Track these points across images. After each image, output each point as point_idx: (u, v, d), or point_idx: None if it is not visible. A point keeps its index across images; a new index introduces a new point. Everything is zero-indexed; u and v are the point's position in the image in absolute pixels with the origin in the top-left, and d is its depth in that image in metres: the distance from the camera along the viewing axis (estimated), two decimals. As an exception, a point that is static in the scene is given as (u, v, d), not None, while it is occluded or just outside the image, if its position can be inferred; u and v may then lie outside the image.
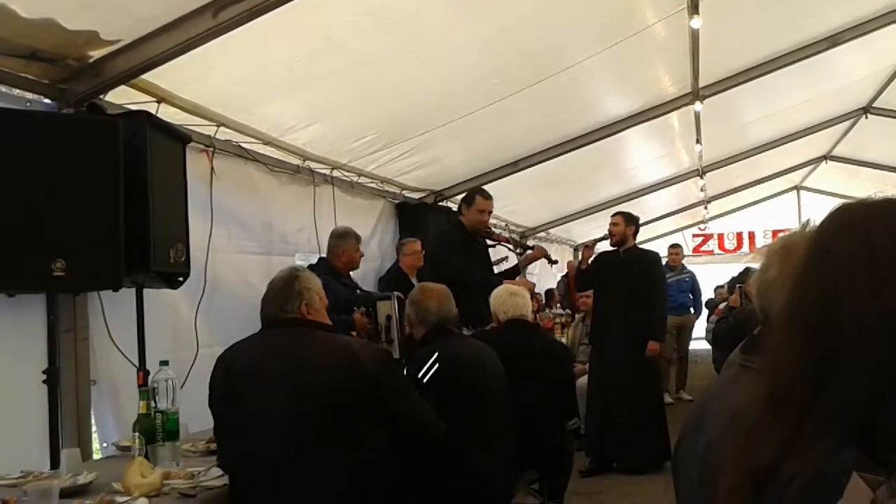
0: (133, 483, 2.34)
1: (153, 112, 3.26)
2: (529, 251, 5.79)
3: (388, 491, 2.57)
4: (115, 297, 3.14)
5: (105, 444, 3.28)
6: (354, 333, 4.14)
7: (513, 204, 8.57)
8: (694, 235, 16.02)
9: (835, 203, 0.99)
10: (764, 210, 15.20)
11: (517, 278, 5.37)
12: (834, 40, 6.31)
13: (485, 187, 5.68)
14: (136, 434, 2.62)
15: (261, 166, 4.50)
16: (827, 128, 9.86)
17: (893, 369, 0.81)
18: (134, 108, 3.23)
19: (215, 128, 3.93)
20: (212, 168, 3.97)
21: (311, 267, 4.49)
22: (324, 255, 4.80)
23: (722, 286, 9.91)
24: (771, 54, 6.46)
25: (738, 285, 6.65)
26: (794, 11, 5.84)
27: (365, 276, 5.30)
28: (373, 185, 5.93)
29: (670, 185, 10.61)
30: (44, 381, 2.97)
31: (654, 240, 12.99)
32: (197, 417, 3.04)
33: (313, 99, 4.30)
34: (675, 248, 9.88)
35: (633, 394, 5.90)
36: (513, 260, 5.89)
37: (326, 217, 5.09)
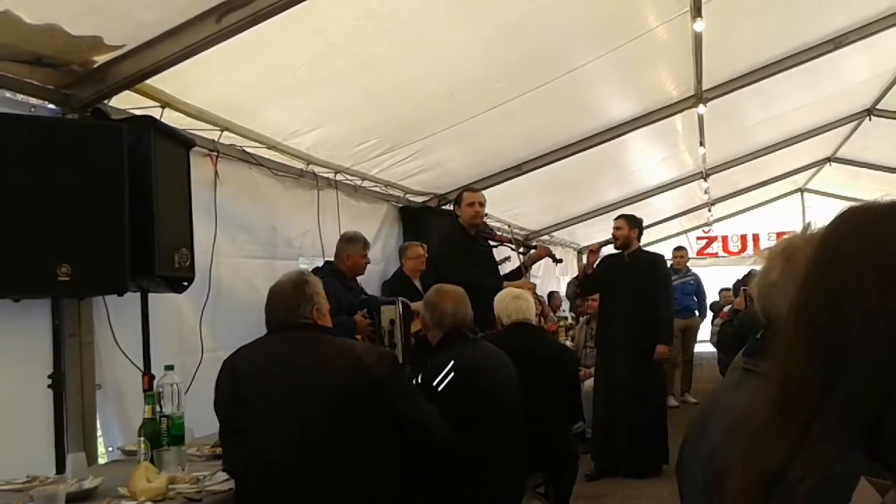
0: (138, 488, 2.34)
1: (157, 117, 3.27)
2: (533, 251, 5.79)
3: (394, 495, 2.57)
4: (119, 301, 3.14)
5: (110, 449, 3.27)
6: (360, 337, 4.14)
7: (516, 207, 8.58)
8: (698, 238, 16.00)
9: (839, 205, 0.99)
10: (768, 212, 15.16)
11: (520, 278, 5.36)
12: (838, 42, 6.29)
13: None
14: (142, 438, 2.62)
15: (264, 170, 4.50)
16: (831, 130, 9.83)
17: (901, 371, 0.81)
18: (138, 113, 3.23)
19: (219, 132, 3.94)
20: (216, 172, 3.98)
21: (316, 270, 4.50)
22: (328, 258, 4.81)
23: (727, 289, 9.90)
24: (774, 57, 6.45)
25: (742, 288, 6.64)
26: (798, 14, 5.84)
27: (369, 280, 5.30)
28: (376, 189, 5.94)
29: (674, 187, 10.59)
30: (49, 386, 2.97)
31: (658, 242, 12.97)
32: (202, 422, 3.04)
33: (317, 103, 4.30)
34: (679, 250, 9.86)
35: (638, 397, 5.89)
36: (515, 260, 5.89)
37: (330, 221, 5.10)
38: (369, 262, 4.86)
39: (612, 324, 6.02)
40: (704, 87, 6.55)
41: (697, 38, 5.43)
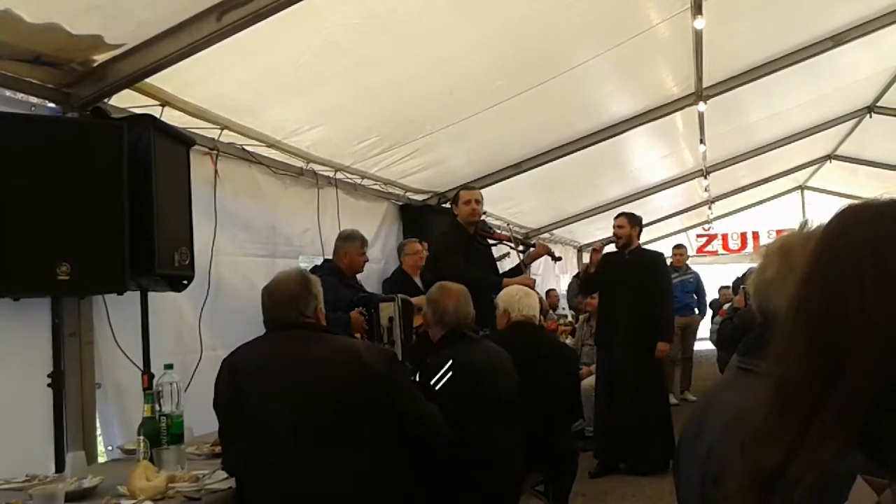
0: (138, 486, 2.34)
1: (157, 116, 3.27)
2: (532, 248, 5.79)
3: (394, 493, 2.57)
4: (119, 300, 3.14)
5: (110, 448, 3.27)
6: (358, 335, 4.15)
7: (516, 205, 8.57)
8: (698, 236, 16.00)
9: (839, 202, 0.99)
10: (768, 210, 15.17)
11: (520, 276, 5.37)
12: (838, 39, 6.28)
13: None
14: (141, 437, 2.62)
15: (264, 169, 4.50)
16: (831, 127, 9.83)
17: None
18: (138, 111, 3.23)
19: (219, 131, 3.94)
20: (216, 171, 3.98)
21: (315, 268, 4.51)
22: (328, 256, 4.81)
23: (727, 287, 9.90)
24: (775, 54, 6.45)
25: (742, 286, 6.63)
26: (798, 11, 5.83)
27: (369, 278, 5.30)
28: (376, 188, 5.94)
29: (674, 185, 10.59)
30: (49, 385, 2.97)
31: (658, 240, 12.98)
32: (201, 420, 3.04)
33: (317, 101, 4.30)
34: (679, 248, 9.87)
35: (639, 394, 5.89)
36: (514, 257, 5.88)
37: (330, 219, 5.10)
38: (367, 260, 4.87)
39: (612, 322, 6.02)
40: (705, 85, 6.55)
41: (698, 36, 5.43)
